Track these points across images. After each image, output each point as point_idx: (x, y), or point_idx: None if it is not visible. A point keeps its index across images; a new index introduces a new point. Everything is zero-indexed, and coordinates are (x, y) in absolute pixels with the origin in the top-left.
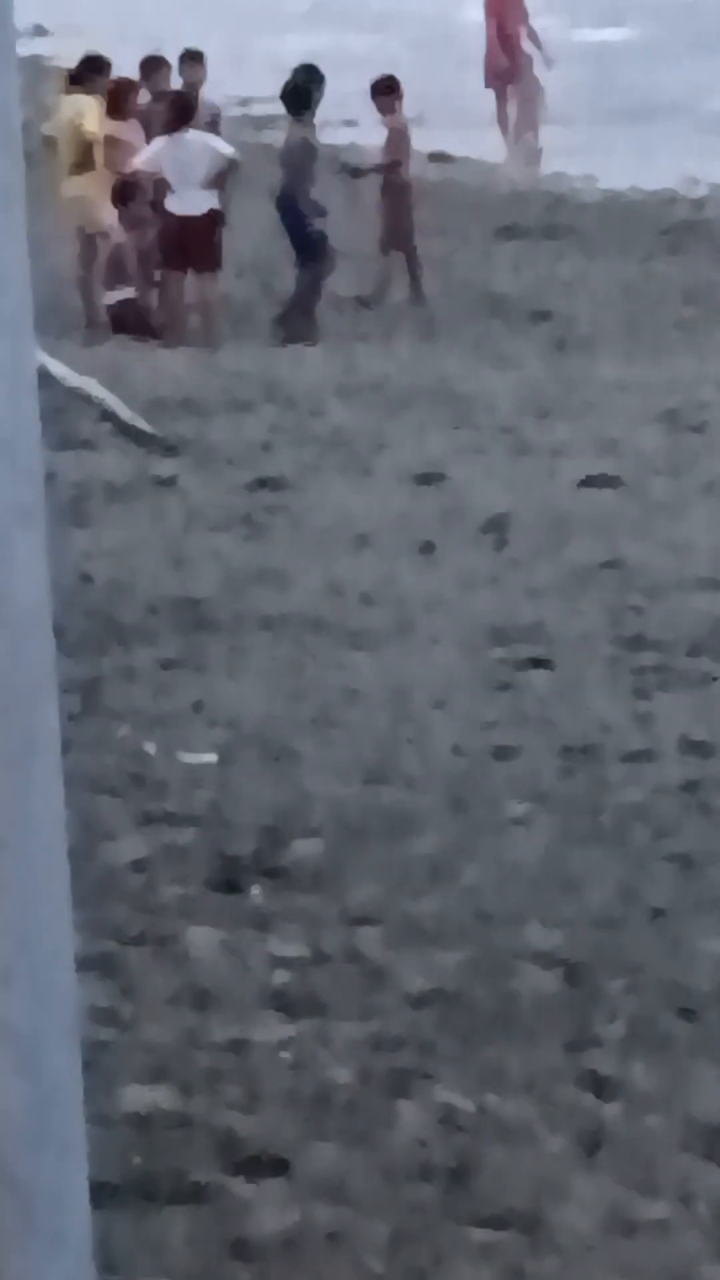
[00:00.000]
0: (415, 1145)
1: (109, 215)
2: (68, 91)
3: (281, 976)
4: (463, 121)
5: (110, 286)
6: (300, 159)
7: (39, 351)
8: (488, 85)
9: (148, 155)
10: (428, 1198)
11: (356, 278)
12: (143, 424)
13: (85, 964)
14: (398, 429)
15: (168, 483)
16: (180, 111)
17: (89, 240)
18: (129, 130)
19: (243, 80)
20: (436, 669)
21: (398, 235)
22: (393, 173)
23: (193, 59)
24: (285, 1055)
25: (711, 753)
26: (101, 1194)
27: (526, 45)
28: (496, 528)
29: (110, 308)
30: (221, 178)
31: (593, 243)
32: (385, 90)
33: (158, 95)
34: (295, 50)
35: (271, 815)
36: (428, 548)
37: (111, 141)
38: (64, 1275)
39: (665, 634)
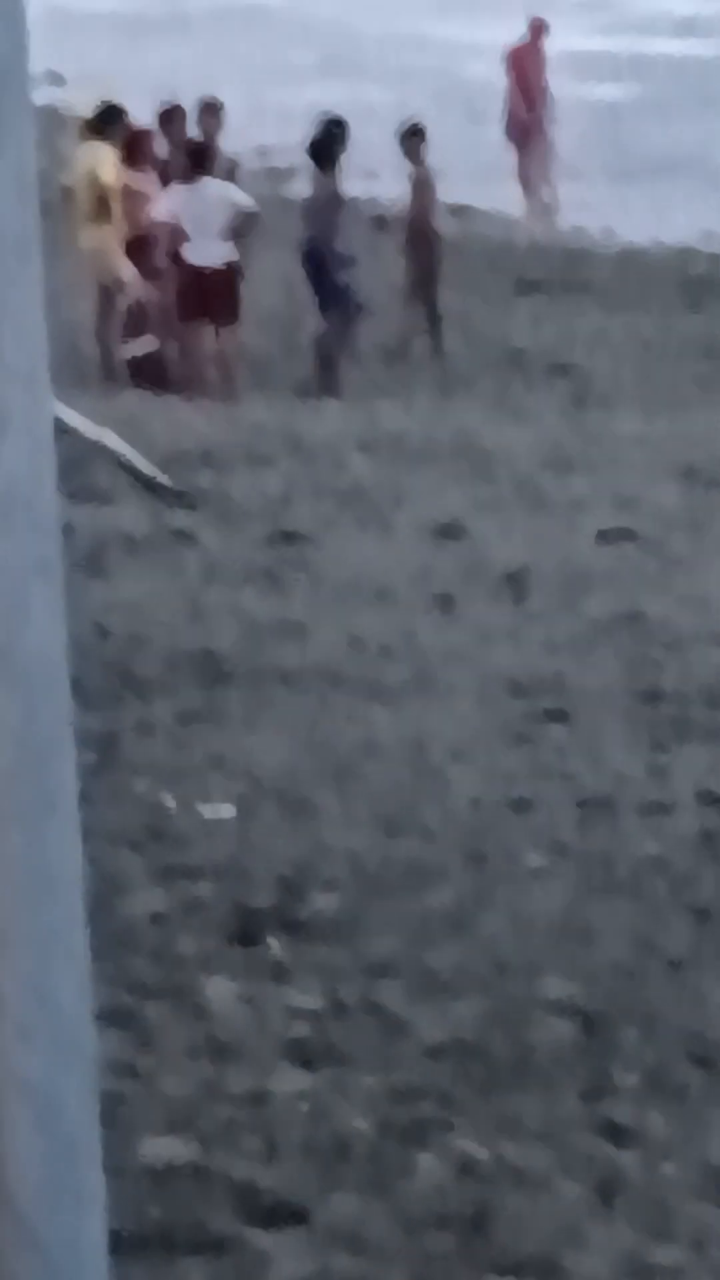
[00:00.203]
0: (433, 1194)
1: (126, 266)
2: (84, 141)
3: (300, 1028)
4: (481, 174)
5: (128, 338)
6: (326, 211)
7: (56, 403)
8: (509, 138)
9: (165, 206)
10: (446, 1246)
11: (380, 330)
12: (161, 476)
13: (104, 1017)
14: (417, 483)
15: (186, 536)
16: (197, 161)
17: (106, 291)
18: (145, 180)
19: (261, 131)
20: (455, 722)
21: (424, 285)
22: (421, 221)
23: (210, 109)
24: (303, 1106)
25: None
26: (120, 1245)
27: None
28: (515, 581)
29: (129, 360)
30: (239, 229)
31: (611, 297)
32: (412, 136)
33: (176, 145)
34: (313, 101)
35: (290, 868)
36: (447, 601)
37: (128, 192)
38: None
39: (683, 687)
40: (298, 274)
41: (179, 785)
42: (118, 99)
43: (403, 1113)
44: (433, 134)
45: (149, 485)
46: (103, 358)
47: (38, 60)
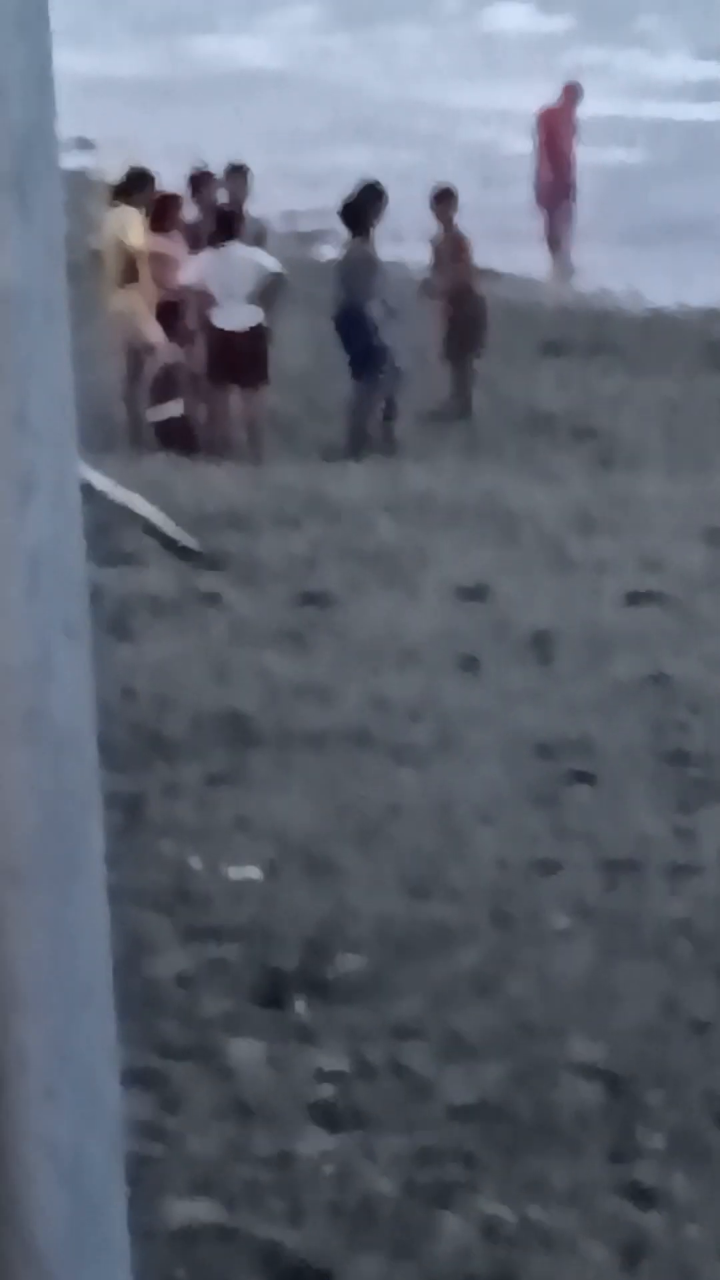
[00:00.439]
0: (458, 1256)
1: (154, 329)
2: (112, 205)
3: (325, 1089)
4: (503, 237)
5: (157, 402)
6: (358, 274)
7: (84, 466)
8: (539, 202)
9: (193, 270)
10: None
11: (416, 393)
12: (187, 539)
13: (129, 1078)
14: (443, 544)
15: (212, 598)
16: (225, 225)
17: (134, 354)
18: (172, 244)
19: (286, 194)
20: (481, 783)
21: (465, 346)
22: (460, 284)
23: (237, 173)
24: (329, 1168)
25: None
26: None
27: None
28: (541, 643)
29: (157, 424)
30: (267, 292)
31: (637, 360)
32: (444, 198)
33: (207, 210)
34: (333, 165)
35: (315, 929)
36: (472, 663)
37: (156, 256)
38: None
39: (709, 748)
40: (325, 336)
41: (205, 846)
42: (144, 164)
43: (428, 1174)
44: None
45: (176, 548)
46: (130, 421)
47: (66, 127)
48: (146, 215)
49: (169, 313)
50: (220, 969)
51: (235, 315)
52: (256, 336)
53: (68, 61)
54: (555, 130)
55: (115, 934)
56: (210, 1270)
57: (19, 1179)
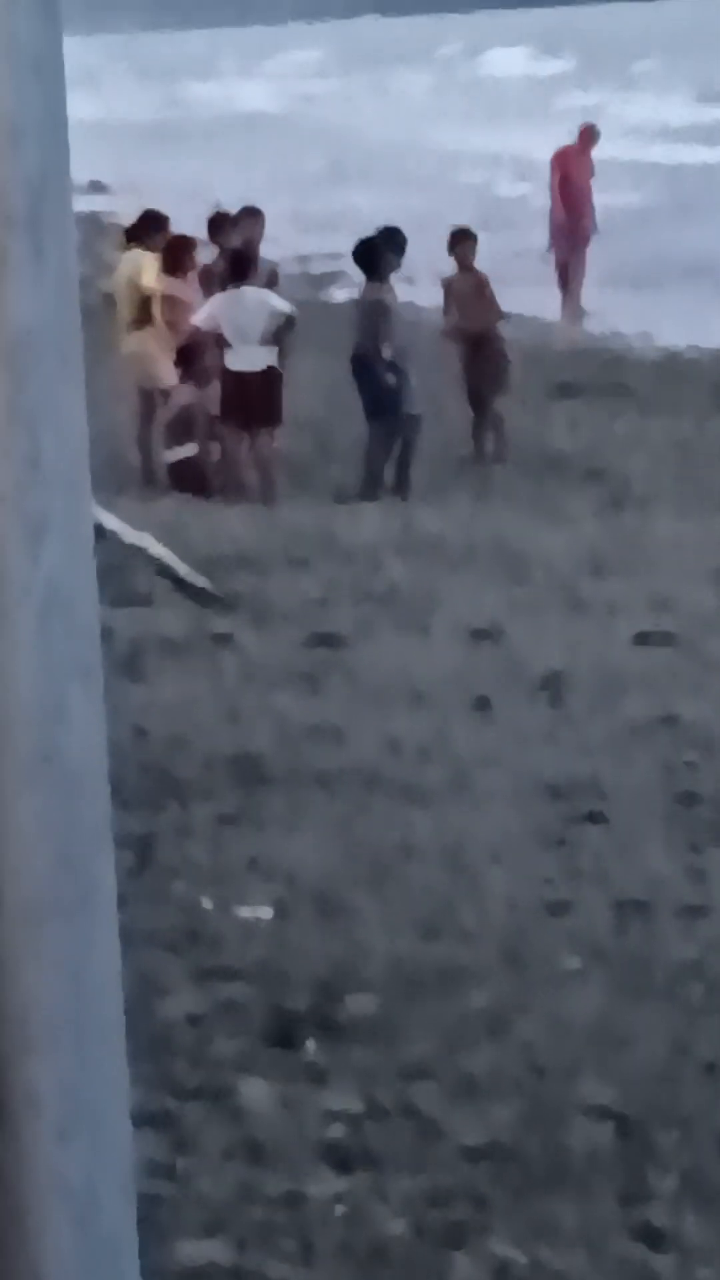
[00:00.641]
0: None
1: (167, 371)
2: (125, 248)
3: (336, 1130)
4: (512, 279)
5: (174, 443)
6: (372, 317)
7: (96, 507)
8: (552, 242)
9: (206, 313)
10: None
11: (433, 436)
12: (200, 580)
13: (141, 1118)
14: (454, 585)
15: (224, 638)
16: (237, 268)
17: (147, 396)
18: (186, 287)
19: (295, 237)
20: (492, 824)
21: (492, 388)
22: (482, 326)
23: (250, 215)
24: (340, 1208)
25: None
26: None
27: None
28: (552, 684)
29: (171, 465)
30: (279, 334)
31: (648, 401)
32: (463, 239)
33: (223, 252)
34: (339, 209)
35: (327, 970)
36: (484, 704)
37: (169, 298)
38: None
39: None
40: (337, 378)
41: (217, 887)
42: (157, 207)
43: (439, 1216)
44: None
45: (188, 589)
46: (143, 462)
47: (79, 170)
48: (160, 258)
49: (188, 354)
50: (231, 1009)
51: (248, 357)
52: (269, 378)
53: (74, 106)
54: (570, 171)
55: (127, 974)
56: None
57: (31, 1220)
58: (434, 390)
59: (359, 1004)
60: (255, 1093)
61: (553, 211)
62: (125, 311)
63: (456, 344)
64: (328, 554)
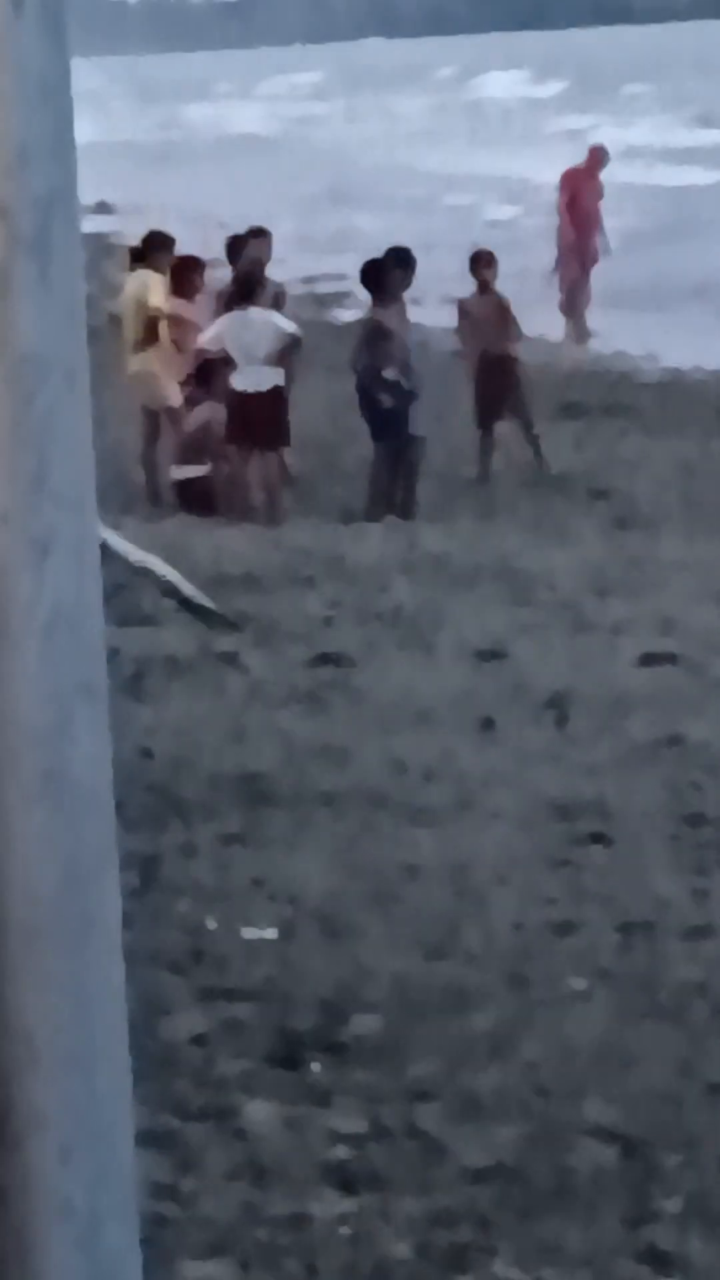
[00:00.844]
0: None
1: (173, 392)
2: (132, 269)
3: (341, 1151)
4: (521, 300)
5: (189, 460)
6: (375, 338)
7: (102, 527)
8: (559, 262)
9: (211, 334)
10: None
11: (441, 457)
12: (205, 600)
13: (145, 1139)
14: (459, 605)
15: (229, 658)
16: (243, 289)
17: (153, 416)
18: (193, 307)
19: (300, 258)
20: (497, 845)
21: (510, 410)
22: (501, 347)
23: (258, 236)
24: (344, 1230)
25: None
26: None
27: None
28: (557, 704)
29: (179, 483)
30: (285, 354)
31: (653, 421)
32: (484, 261)
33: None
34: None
35: (331, 990)
36: (488, 724)
37: (176, 318)
38: None
39: None
40: (343, 399)
41: (221, 907)
42: (164, 227)
43: (443, 1237)
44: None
45: (193, 609)
46: (149, 482)
47: (85, 191)
48: (167, 278)
49: (207, 371)
50: (235, 1030)
51: (253, 378)
52: (275, 398)
53: (78, 128)
54: (579, 192)
55: (131, 994)
56: None
57: (33, 1239)
58: (440, 410)
59: (363, 1025)
60: (259, 1113)
61: (560, 232)
62: (131, 332)
63: (473, 365)
64: (333, 574)
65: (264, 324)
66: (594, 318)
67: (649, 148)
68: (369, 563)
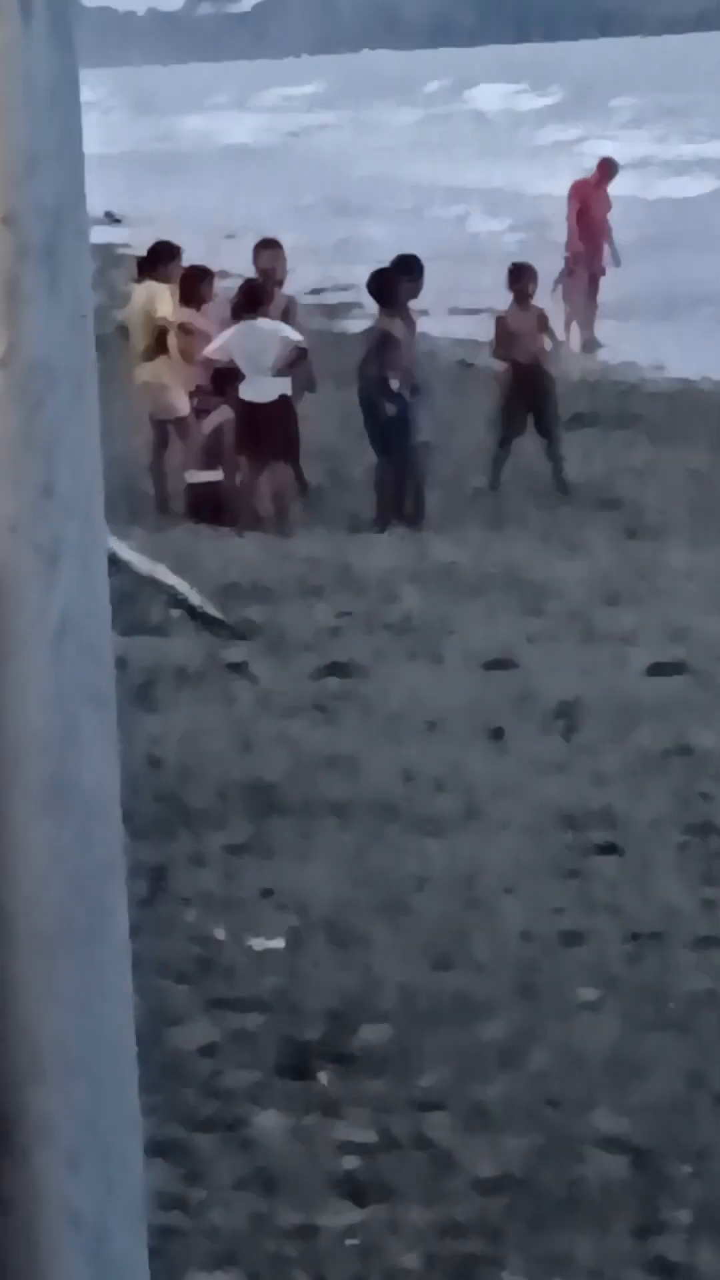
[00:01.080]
0: None
1: (181, 401)
2: (139, 279)
3: (350, 1162)
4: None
5: (205, 465)
6: (381, 348)
7: (110, 536)
8: (568, 273)
9: (218, 343)
10: None
11: (448, 467)
12: (213, 609)
13: (153, 1149)
14: (468, 615)
15: (238, 668)
16: (251, 299)
17: (161, 426)
18: (201, 317)
19: (308, 268)
20: (506, 854)
21: (547, 422)
22: (534, 360)
23: (268, 246)
24: (352, 1241)
25: None
26: None
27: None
28: (566, 714)
29: (190, 490)
30: (292, 365)
31: (662, 431)
32: (522, 274)
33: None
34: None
35: (340, 1001)
36: (497, 734)
37: (184, 328)
38: None
39: None
40: (351, 408)
41: (229, 917)
42: (171, 237)
43: (452, 1248)
44: (488, 273)
45: (201, 618)
46: (157, 491)
47: (93, 202)
48: (176, 288)
49: (220, 379)
50: (244, 1040)
51: (261, 388)
52: (282, 408)
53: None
54: (588, 204)
55: (138, 1004)
56: None
57: (42, 1250)
58: (449, 420)
59: (372, 1035)
60: (268, 1123)
61: (569, 244)
62: (139, 341)
63: (509, 378)
64: (342, 583)
65: (270, 334)
66: (602, 328)
67: (648, 159)
68: (378, 572)
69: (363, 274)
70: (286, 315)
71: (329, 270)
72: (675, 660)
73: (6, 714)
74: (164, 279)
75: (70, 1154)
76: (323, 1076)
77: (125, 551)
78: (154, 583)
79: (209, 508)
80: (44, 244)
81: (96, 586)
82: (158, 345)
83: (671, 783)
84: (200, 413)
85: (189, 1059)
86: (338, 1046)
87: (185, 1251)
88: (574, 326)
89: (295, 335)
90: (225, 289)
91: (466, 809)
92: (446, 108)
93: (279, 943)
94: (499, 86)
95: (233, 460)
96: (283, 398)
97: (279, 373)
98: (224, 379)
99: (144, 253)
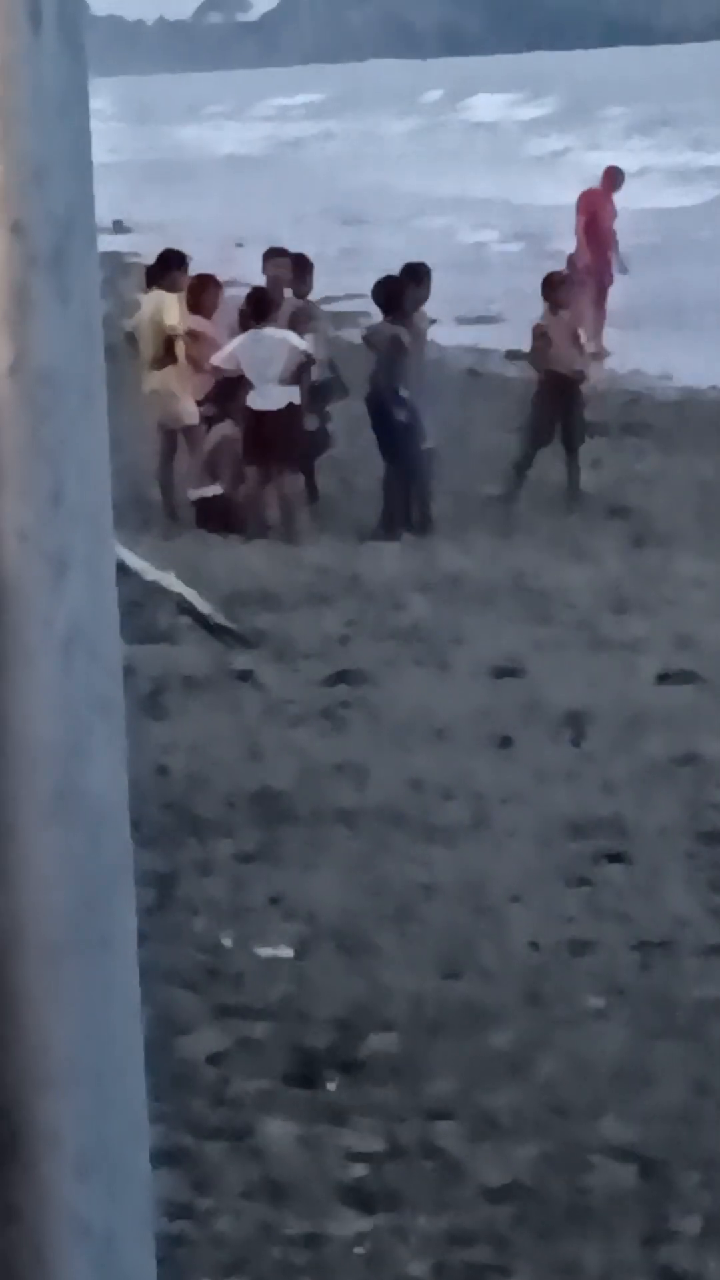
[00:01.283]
0: None
1: (189, 410)
2: (147, 288)
3: (357, 1170)
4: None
5: (209, 478)
6: (389, 355)
7: (118, 544)
8: (578, 278)
9: (226, 353)
10: None
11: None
12: (221, 618)
13: (161, 1157)
14: (476, 623)
15: (246, 676)
16: (258, 308)
17: (170, 434)
18: (209, 325)
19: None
20: (514, 863)
21: (578, 432)
22: (578, 368)
23: (276, 255)
24: (360, 1250)
25: None
26: None
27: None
28: (574, 722)
29: (198, 501)
30: (300, 373)
31: (670, 440)
32: (558, 283)
33: (300, 293)
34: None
35: (348, 1009)
36: (506, 742)
37: (193, 336)
38: None
39: None
40: (359, 416)
41: (237, 925)
42: (180, 246)
43: (460, 1257)
44: (496, 281)
45: (209, 626)
46: (165, 500)
47: (102, 210)
48: (184, 296)
49: (224, 390)
50: (252, 1048)
51: (269, 396)
52: (289, 417)
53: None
54: (596, 213)
55: (147, 1012)
56: None
57: (49, 1259)
58: (459, 427)
59: (380, 1043)
60: (275, 1132)
61: (577, 254)
62: (148, 350)
63: (545, 388)
64: (350, 591)
65: (278, 343)
66: (609, 337)
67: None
68: (386, 580)
69: (363, 283)
70: (294, 324)
71: (330, 279)
72: (683, 669)
73: (15, 722)
74: (172, 287)
75: (78, 1162)
76: (330, 1085)
77: (134, 560)
78: (162, 591)
79: (216, 518)
80: (53, 252)
81: (105, 595)
82: (166, 353)
83: (680, 791)
84: (207, 420)
85: (197, 1067)
86: (346, 1055)
87: (193, 1260)
88: (586, 336)
89: (301, 343)
90: (233, 297)
91: (475, 817)
92: (442, 117)
93: (287, 951)
94: (497, 96)
95: (235, 473)
96: (290, 406)
97: (286, 381)
98: (225, 392)
99: (152, 261)
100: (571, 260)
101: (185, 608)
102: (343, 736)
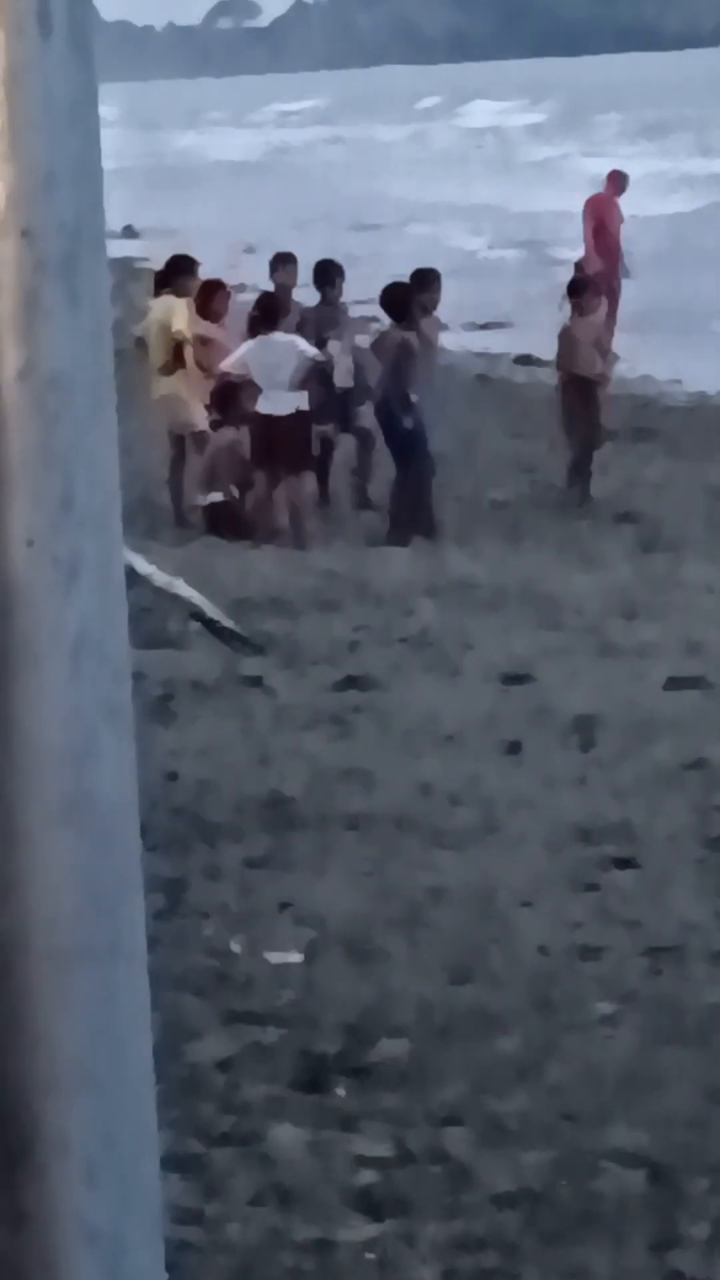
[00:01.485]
0: None
1: (198, 415)
2: (157, 293)
3: (366, 1176)
4: (541, 325)
5: (212, 485)
6: (397, 360)
7: (128, 550)
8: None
9: (235, 358)
10: None
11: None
12: (230, 623)
13: (170, 1163)
14: (485, 629)
15: (255, 681)
16: (267, 313)
17: (178, 439)
18: (219, 330)
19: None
20: (523, 868)
21: (598, 436)
22: (603, 372)
23: (284, 261)
24: (370, 1255)
25: None
26: None
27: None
28: (583, 728)
29: (206, 507)
30: (308, 378)
31: (679, 445)
32: (584, 286)
33: (327, 299)
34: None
35: (357, 1015)
36: (514, 747)
37: (202, 341)
38: None
39: None
40: (371, 422)
41: (246, 931)
42: (190, 251)
43: (469, 1263)
44: (504, 286)
45: (219, 632)
46: (175, 505)
47: (112, 215)
48: (193, 301)
49: (224, 397)
50: (261, 1054)
51: (278, 402)
52: (298, 422)
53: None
54: (604, 219)
55: (156, 1018)
56: None
57: (59, 1265)
58: (468, 432)
59: (389, 1049)
60: (284, 1138)
61: (586, 259)
62: (157, 355)
63: (568, 391)
64: (359, 597)
65: (287, 348)
66: (618, 342)
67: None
68: (395, 586)
69: (364, 289)
70: (307, 330)
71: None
72: (692, 674)
73: (24, 727)
74: (181, 293)
75: (87, 1168)
76: (340, 1090)
77: (143, 565)
78: (172, 596)
79: (225, 523)
80: (63, 258)
81: (114, 600)
82: (175, 359)
83: (689, 797)
84: (214, 426)
85: (206, 1073)
86: (355, 1061)
87: (202, 1266)
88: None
89: (310, 349)
90: (243, 302)
91: (484, 823)
92: (439, 124)
93: (296, 956)
94: (500, 103)
95: (240, 480)
96: (299, 411)
97: (295, 387)
98: (226, 398)
99: (162, 266)
100: (580, 266)
101: (194, 613)
102: (352, 742)
